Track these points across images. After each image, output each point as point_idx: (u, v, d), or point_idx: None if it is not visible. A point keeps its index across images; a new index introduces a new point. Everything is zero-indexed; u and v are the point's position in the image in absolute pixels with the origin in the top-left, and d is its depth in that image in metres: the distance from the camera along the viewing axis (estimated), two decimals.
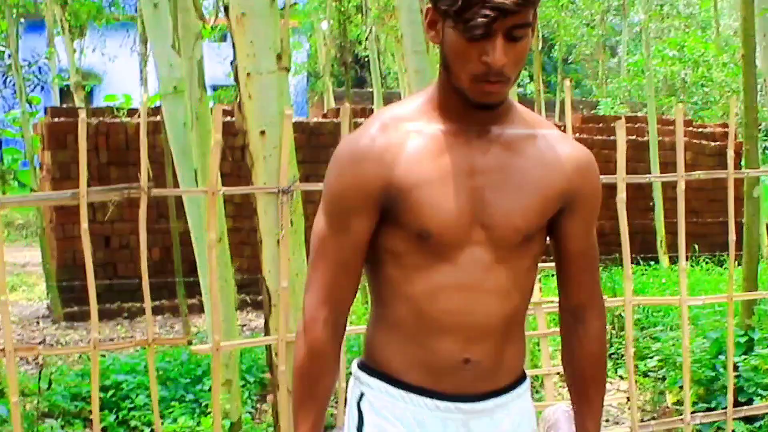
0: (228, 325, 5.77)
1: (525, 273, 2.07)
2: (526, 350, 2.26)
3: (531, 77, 24.63)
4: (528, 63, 21.90)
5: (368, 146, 2.00)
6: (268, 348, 4.29)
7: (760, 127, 11.03)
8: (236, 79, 4.21)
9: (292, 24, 13.48)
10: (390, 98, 19.34)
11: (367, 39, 12.37)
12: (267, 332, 4.28)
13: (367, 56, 17.25)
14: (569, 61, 26.79)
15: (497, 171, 2.00)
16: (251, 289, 10.07)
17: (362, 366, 2.17)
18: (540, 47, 15.13)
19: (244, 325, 9.53)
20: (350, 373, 2.23)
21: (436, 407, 2.06)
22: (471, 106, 1.96)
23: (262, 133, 4.13)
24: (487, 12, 1.81)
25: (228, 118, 8.45)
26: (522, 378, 2.19)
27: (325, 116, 12.07)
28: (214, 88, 17.86)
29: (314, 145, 11.14)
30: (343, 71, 10.42)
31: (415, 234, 1.99)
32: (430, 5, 1.94)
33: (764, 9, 7.82)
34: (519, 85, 20.75)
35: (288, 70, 4.19)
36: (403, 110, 2.06)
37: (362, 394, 2.15)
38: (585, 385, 2.21)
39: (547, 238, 2.16)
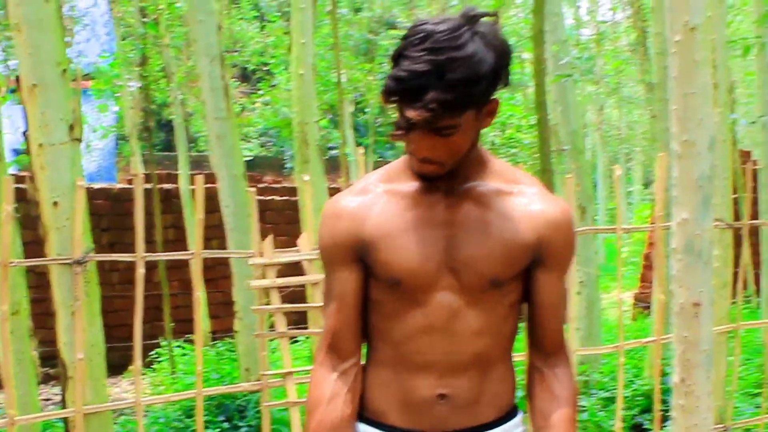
0: (27, 399, 5.73)
1: (500, 319, 2.28)
2: (513, 388, 2.40)
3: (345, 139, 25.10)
4: (337, 125, 22.33)
5: (344, 206, 2.29)
6: (65, 421, 4.32)
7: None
8: (28, 149, 4.28)
9: (98, 86, 13.37)
10: (200, 162, 19.30)
11: (172, 103, 12.41)
12: (64, 405, 4.31)
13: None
14: (381, 123, 27.38)
15: (465, 223, 2.21)
16: (56, 361, 9.92)
17: (357, 414, 2.37)
18: (352, 110, 15.59)
19: (48, 400, 9.35)
20: None
21: None
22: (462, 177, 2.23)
23: (55, 204, 4.20)
24: (402, 124, 2.07)
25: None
26: (511, 414, 2.37)
27: (130, 182, 12.02)
28: (17, 153, 17.50)
29: (119, 212, 11.08)
30: (148, 136, 10.42)
31: (387, 282, 2.23)
32: None
33: (558, 75, 8.31)
34: (330, 149, 21.07)
35: (80, 140, 4.28)
36: (382, 173, 2.33)
37: None
38: (567, 426, 2.30)
39: None
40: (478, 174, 2.25)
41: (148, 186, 10.75)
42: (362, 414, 2.36)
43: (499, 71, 2.07)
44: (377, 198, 2.27)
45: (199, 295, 4.50)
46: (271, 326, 5.65)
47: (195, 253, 4.48)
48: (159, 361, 10.17)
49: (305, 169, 6.80)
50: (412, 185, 2.25)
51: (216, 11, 7.49)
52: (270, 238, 4.60)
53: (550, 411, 2.30)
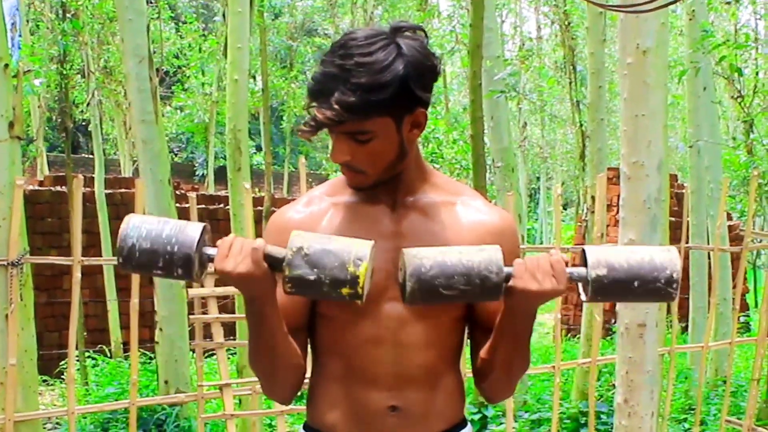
0: None
1: (446, 331, 2.36)
2: (462, 399, 2.47)
3: (258, 148, 25.05)
4: (255, 133, 22.33)
5: (290, 218, 2.35)
6: None
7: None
8: None
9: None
10: (107, 165, 19.14)
11: (88, 104, 12.33)
12: None
13: (84, 120, 17.10)
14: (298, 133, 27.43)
15: (411, 235, 2.29)
16: None
17: (304, 426, 2.45)
18: (269, 118, 15.61)
19: None
20: None
21: None
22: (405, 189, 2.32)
23: None
24: (311, 122, 2.16)
25: None
26: (460, 425, 2.44)
27: (42, 184, 11.90)
28: None
29: (30, 215, 10.98)
30: (63, 136, 10.33)
31: None
32: None
33: (491, 91, 8.47)
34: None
35: (21, 138, 4.30)
36: (326, 187, 2.41)
37: None
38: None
39: None
40: (421, 187, 2.36)
41: (63, 189, 10.69)
42: (310, 426, 2.43)
43: (409, 82, 2.16)
44: (323, 211, 2.35)
45: (136, 302, 4.54)
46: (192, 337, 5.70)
47: None
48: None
49: (238, 176, 6.84)
50: (357, 198, 2.34)
51: (146, 12, 7.50)
52: None
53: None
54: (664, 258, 2.11)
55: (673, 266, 2.10)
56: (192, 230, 2.04)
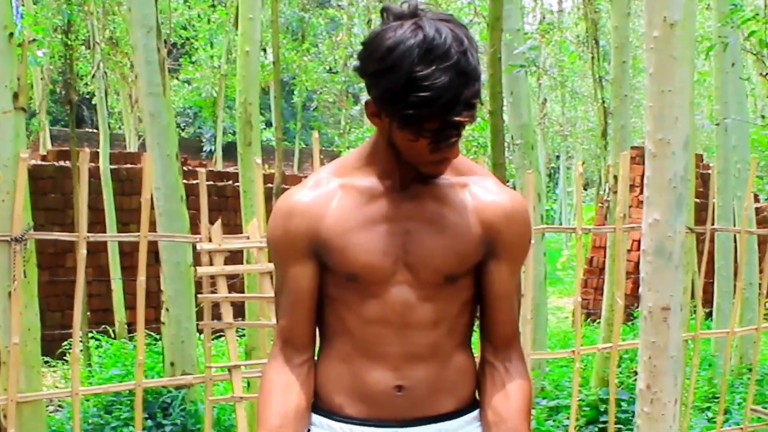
0: None
1: (455, 312, 2.41)
2: (474, 379, 2.51)
3: (268, 123, 25.03)
4: (265, 108, 22.30)
5: (298, 202, 2.38)
6: None
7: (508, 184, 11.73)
8: None
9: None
10: (112, 140, 19.18)
11: (93, 76, 12.32)
12: None
13: (88, 93, 17.11)
14: (309, 108, 27.39)
15: (421, 217, 2.34)
16: None
17: (312, 406, 2.49)
18: (280, 92, 15.54)
19: None
20: None
21: None
22: (417, 173, 2.32)
23: None
24: (456, 133, 2.17)
25: None
26: (472, 406, 2.49)
27: (44, 158, 11.92)
28: None
29: (32, 190, 11.00)
30: (67, 110, 10.33)
31: (344, 277, 2.36)
32: (371, 100, 2.22)
33: (511, 66, 8.45)
34: None
35: (25, 110, 4.31)
36: (338, 166, 2.43)
37: None
38: (519, 420, 2.42)
39: None
40: None
41: (66, 164, 10.71)
42: (317, 406, 2.47)
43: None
44: (332, 193, 2.37)
45: (143, 280, 4.56)
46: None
47: (141, 235, 4.53)
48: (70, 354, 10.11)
49: (248, 151, 6.84)
50: (367, 180, 2.36)
51: None
52: (219, 223, 4.65)
53: (501, 405, 2.42)
54: None
55: None
56: None
